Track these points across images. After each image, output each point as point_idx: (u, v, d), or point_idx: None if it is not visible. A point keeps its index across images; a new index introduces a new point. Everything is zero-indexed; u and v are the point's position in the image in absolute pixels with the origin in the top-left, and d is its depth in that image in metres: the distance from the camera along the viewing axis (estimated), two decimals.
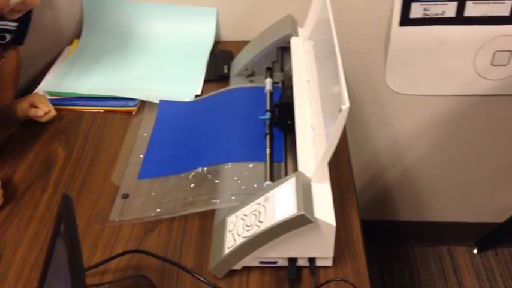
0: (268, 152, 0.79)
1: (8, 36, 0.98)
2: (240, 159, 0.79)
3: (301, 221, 0.59)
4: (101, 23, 1.13)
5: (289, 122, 0.77)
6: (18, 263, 0.69)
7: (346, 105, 0.53)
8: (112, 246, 0.71)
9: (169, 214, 0.74)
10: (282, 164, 0.78)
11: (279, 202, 0.62)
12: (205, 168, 0.79)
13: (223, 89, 0.97)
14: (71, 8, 1.14)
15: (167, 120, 0.93)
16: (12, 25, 0.98)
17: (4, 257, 0.70)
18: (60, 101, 0.96)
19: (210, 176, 0.78)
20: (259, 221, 0.62)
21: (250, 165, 0.78)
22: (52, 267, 0.58)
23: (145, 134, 0.90)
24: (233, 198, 0.73)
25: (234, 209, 0.69)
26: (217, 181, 0.77)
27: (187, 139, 0.88)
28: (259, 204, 0.65)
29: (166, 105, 0.97)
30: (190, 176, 0.79)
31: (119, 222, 0.74)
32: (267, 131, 0.82)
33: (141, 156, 0.85)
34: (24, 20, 1.02)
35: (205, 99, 0.98)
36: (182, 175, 0.80)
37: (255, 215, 0.64)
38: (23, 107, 0.89)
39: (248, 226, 0.64)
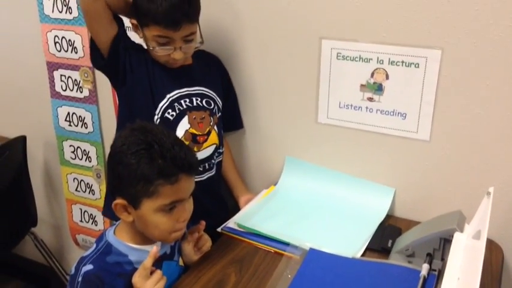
0: None
1: None
2: None
3: None
4: (294, 178, 1.37)
5: None
6: None
7: None
8: None
9: None
10: None
11: None
12: None
13: (381, 260, 1.06)
14: (275, 162, 1.41)
15: (312, 269, 1.04)
16: None
17: None
18: (245, 233, 1.18)
19: None
20: None
21: None
22: None
23: (289, 276, 1.02)
24: None
25: None
26: None
27: None
28: None
29: (315, 254, 1.08)
30: None
31: None
32: None
33: None
34: None
35: (359, 261, 1.07)
36: None
37: None
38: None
39: None
